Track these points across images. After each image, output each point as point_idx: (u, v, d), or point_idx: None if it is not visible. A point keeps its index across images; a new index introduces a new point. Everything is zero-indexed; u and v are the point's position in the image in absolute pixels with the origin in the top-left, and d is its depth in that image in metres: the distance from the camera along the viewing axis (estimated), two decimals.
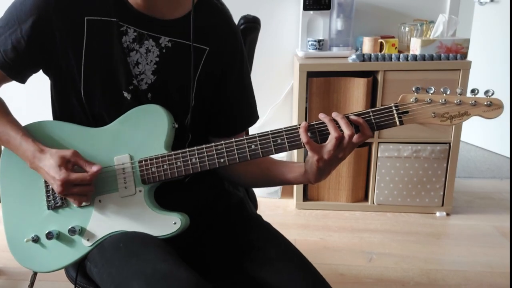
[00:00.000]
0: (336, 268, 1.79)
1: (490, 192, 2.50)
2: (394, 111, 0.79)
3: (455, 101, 0.77)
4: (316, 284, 0.85)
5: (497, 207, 2.31)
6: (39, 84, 1.11)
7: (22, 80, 0.94)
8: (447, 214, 2.21)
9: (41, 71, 0.93)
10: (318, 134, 0.81)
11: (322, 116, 0.81)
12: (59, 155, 0.84)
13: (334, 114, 0.80)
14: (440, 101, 0.78)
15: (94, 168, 0.84)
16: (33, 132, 0.92)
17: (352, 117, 0.80)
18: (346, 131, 0.78)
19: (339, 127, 0.79)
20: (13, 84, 0.97)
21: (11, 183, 0.95)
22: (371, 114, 0.80)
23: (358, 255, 1.89)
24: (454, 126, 1.85)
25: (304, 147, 0.81)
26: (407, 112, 0.79)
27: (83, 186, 0.85)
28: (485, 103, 0.76)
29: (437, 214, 2.21)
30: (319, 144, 0.81)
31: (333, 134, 0.79)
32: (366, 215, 2.23)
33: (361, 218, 2.21)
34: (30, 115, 1.06)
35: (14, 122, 0.92)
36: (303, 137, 0.80)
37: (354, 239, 2.01)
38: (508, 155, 2.98)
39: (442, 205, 2.20)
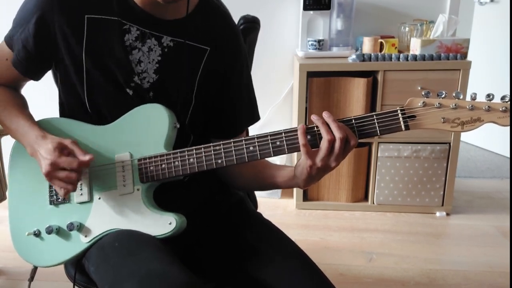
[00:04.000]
0: (336, 268, 1.79)
1: (490, 192, 2.50)
2: (400, 115, 0.76)
3: (467, 106, 0.72)
4: (321, 285, 0.84)
5: (497, 207, 2.31)
6: (47, 81, 1.12)
7: (37, 77, 0.96)
8: (447, 214, 2.21)
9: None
10: (318, 137, 0.79)
11: (315, 119, 0.79)
12: (58, 141, 0.85)
13: (325, 116, 0.78)
14: (451, 105, 0.73)
15: (86, 157, 0.83)
16: None
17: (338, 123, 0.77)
18: (337, 135, 0.76)
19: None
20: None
21: (18, 177, 0.97)
22: (374, 117, 0.77)
23: (358, 255, 1.89)
24: None
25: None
26: (413, 116, 0.75)
27: (70, 172, 0.83)
28: (501, 108, 0.71)
29: (437, 214, 2.21)
30: (318, 147, 0.79)
31: (325, 137, 0.77)
32: (366, 215, 2.23)
33: (361, 218, 2.21)
34: (37, 112, 1.06)
35: (27, 114, 0.94)
36: (301, 139, 0.78)
37: (354, 239, 2.01)
38: (508, 155, 2.98)
39: (442, 205, 2.20)
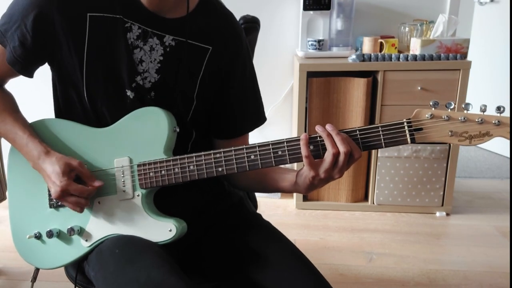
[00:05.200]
0: (336, 268, 1.79)
1: (490, 192, 2.50)
2: (406, 128, 0.74)
3: (477, 120, 0.70)
4: (317, 285, 0.84)
5: (497, 207, 2.31)
6: (40, 80, 1.12)
7: (30, 74, 0.94)
8: (447, 214, 2.21)
9: (46, 63, 0.93)
10: (321, 148, 0.78)
11: (319, 130, 0.78)
12: (65, 162, 0.84)
13: (329, 128, 0.77)
14: (460, 118, 0.71)
15: (96, 184, 0.85)
16: (37, 130, 0.92)
17: (343, 134, 0.76)
18: (341, 148, 0.75)
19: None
20: (15, 79, 0.98)
21: (18, 179, 0.97)
22: (380, 129, 0.76)
23: (358, 255, 1.89)
24: None
25: None
26: (420, 129, 0.73)
27: (79, 198, 0.85)
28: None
29: (437, 214, 2.21)
30: (321, 158, 0.78)
31: (330, 150, 0.76)
32: (366, 215, 2.23)
33: (361, 218, 2.21)
34: (31, 111, 1.06)
35: (21, 120, 0.93)
36: (304, 151, 0.77)
37: (354, 239, 2.01)
38: (508, 155, 2.98)
39: (442, 205, 2.20)
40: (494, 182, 2.64)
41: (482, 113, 0.71)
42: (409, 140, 0.74)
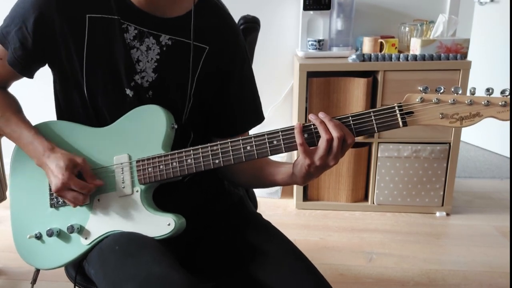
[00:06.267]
0: (336, 268, 1.79)
1: (490, 192, 2.50)
2: (397, 112, 0.75)
3: (466, 101, 0.71)
4: (318, 285, 0.84)
5: (497, 207, 2.31)
6: (42, 82, 1.12)
7: (31, 75, 0.95)
8: (447, 214, 2.21)
9: (47, 65, 0.94)
10: (315, 135, 0.79)
11: (312, 118, 0.79)
12: (70, 158, 0.86)
13: (321, 116, 0.78)
14: (449, 101, 0.72)
15: (97, 182, 0.87)
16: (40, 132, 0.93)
17: (335, 121, 0.77)
18: (335, 134, 0.76)
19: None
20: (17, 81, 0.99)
21: (19, 180, 0.97)
22: (371, 114, 0.77)
23: (358, 255, 1.89)
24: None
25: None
26: (411, 112, 0.75)
27: (78, 193, 0.86)
28: (500, 103, 0.70)
29: (437, 214, 2.21)
30: (316, 146, 0.79)
31: (324, 137, 0.77)
32: (366, 215, 2.23)
33: (361, 218, 2.21)
34: (33, 113, 1.07)
35: (26, 121, 0.95)
36: (298, 138, 0.78)
37: (354, 239, 2.01)
38: (508, 155, 2.98)
39: (442, 205, 2.20)
40: (494, 182, 2.64)
41: (471, 95, 0.72)
42: (400, 123, 0.75)
